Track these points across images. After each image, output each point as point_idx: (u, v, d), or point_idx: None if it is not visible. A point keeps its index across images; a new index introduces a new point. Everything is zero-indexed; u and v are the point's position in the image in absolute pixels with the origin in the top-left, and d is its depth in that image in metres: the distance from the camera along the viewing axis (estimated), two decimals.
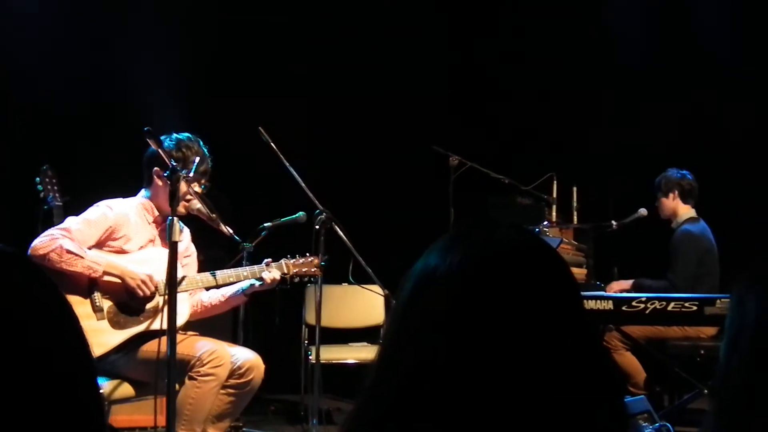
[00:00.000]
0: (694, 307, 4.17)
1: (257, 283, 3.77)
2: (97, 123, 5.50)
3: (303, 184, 4.03)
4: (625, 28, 6.35)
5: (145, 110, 4.89)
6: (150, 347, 3.52)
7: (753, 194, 5.70)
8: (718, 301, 4.15)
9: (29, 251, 3.42)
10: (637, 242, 5.61)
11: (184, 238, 3.81)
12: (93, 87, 5.55)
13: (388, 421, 0.97)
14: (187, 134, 3.76)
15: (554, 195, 5.68)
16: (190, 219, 3.82)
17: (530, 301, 0.98)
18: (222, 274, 3.75)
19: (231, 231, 3.76)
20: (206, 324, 3.96)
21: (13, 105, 5.31)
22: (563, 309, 1.00)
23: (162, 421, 3.45)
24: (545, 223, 5.39)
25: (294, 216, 4.13)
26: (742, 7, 6.12)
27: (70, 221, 3.57)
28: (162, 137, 3.58)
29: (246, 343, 3.91)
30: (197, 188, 3.71)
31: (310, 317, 5.26)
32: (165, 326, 3.11)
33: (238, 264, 3.98)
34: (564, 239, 5.32)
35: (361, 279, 4.39)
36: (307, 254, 3.93)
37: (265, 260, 3.81)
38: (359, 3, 6.31)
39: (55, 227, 3.55)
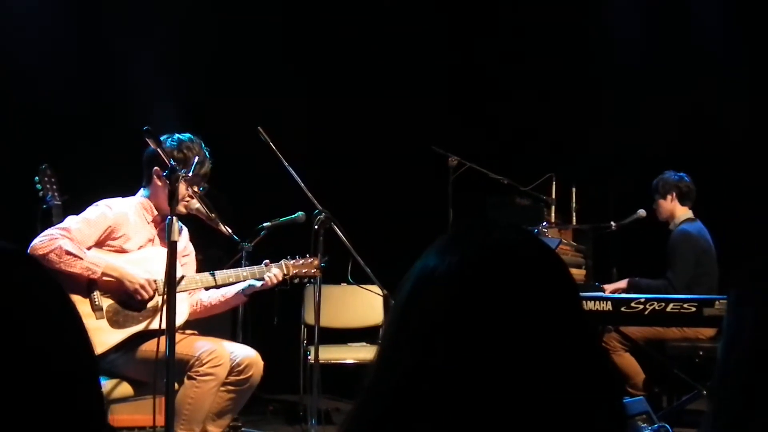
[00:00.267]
0: (693, 309, 4.18)
1: (257, 283, 3.77)
2: (96, 122, 5.50)
3: (302, 184, 4.03)
4: (625, 28, 6.35)
5: (144, 110, 4.89)
6: (149, 347, 3.52)
7: (752, 194, 5.70)
8: (716, 302, 4.16)
9: (28, 251, 3.42)
10: (636, 243, 5.61)
11: (183, 238, 3.80)
12: (93, 87, 5.55)
13: (387, 422, 0.97)
14: (189, 135, 3.75)
15: (553, 195, 5.68)
16: (189, 218, 3.82)
17: (529, 302, 0.98)
18: (221, 275, 3.75)
19: (230, 231, 3.76)
20: (205, 324, 3.96)
21: (12, 104, 5.31)
22: (562, 310, 1.00)
23: (161, 420, 3.44)
24: (544, 223, 5.39)
25: (293, 216, 4.13)
26: (741, 7, 6.11)
27: (70, 221, 3.56)
28: (164, 137, 3.59)
29: (245, 343, 3.91)
30: (196, 189, 3.70)
31: (309, 317, 5.26)
32: (164, 326, 3.11)
33: (237, 264, 3.98)
34: (563, 240, 5.32)
35: (360, 279, 4.39)
36: (307, 255, 3.93)
37: (264, 261, 3.81)
38: (359, 3, 6.31)
39: (55, 227, 3.54)
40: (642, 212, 5.29)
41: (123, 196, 3.78)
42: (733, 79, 5.97)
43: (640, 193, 5.55)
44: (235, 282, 3.79)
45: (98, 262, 3.50)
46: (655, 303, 4.21)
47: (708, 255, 5.13)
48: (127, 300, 3.60)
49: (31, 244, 3.45)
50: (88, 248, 3.55)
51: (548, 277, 1.02)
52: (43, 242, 3.44)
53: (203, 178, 3.75)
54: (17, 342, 0.88)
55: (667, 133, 6.02)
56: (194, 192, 3.67)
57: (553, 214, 5.67)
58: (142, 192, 3.81)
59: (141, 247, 3.70)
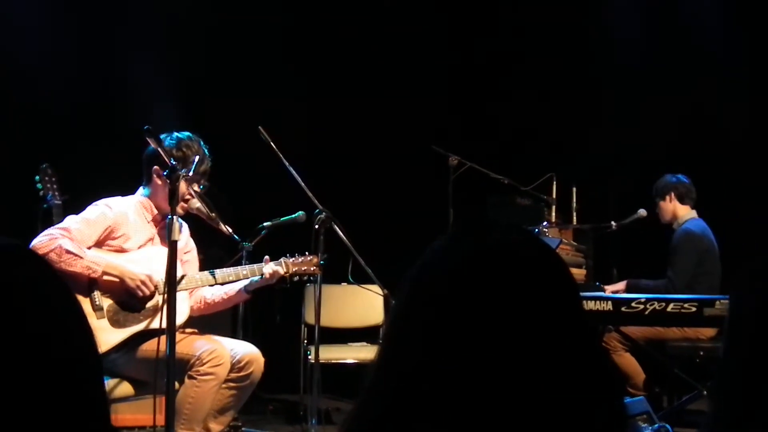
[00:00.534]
0: (694, 309, 4.18)
1: (258, 278, 3.77)
2: (96, 122, 5.50)
3: (302, 184, 4.03)
4: (625, 28, 6.35)
5: (144, 110, 4.89)
6: (149, 346, 3.52)
7: (753, 194, 5.70)
8: (717, 302, 4.16)
9: None
10: (636, 243, 5.61)
11: (183, 234, 3.80)
12: (93, 87, 5.55)
13: (387, 421, 0.97)
14: (187, 133, 3.76)
15: (554, 195, 5.68)
16: (189, 218, 3.82)
17: (529, 302, 0.98)
18: (221, 273, 3.75)
19: (230, 230, 3.76)
20: (206, 323, 3.96)
21: (12, 104, 5.30)
22: (562, 309, 1.00)
23: (161, 420, 3.44)
24: (545, 223, 5.39)
25: (293, 215, 4.13)
26: (741, 7, 6.11)
27: (70, 220, 3.56)
28: (162, 136, 3.59)
29: None
30: (196, 188, 3.71)
31: (309, 317, 5.26)
32: (165, 325, 3.11)
33: (237, 263, 3.98)
34: (563, 240, 5.32)
35: (361, 279, 4.39)
36: (306, 253, 3.93)
37: (265, 258, 3.82)
38: (359, 3, 6.31)
39: (55, 227, 3.54)
40: (642, 212, 5.29)
41: (123, 196, 3.78)
42: (733, 79, 5.97)
43: (641, 193, 5.55)
44: (236, 281, 3.79)
45: (98, 261, 3.51)
46: (656, 303, 4.21)
47: (710, 254, 5.13)
48: (128, 300, 3.60)
49: (31, 244, 3.45)
50: (88, 248, 3.55)
51: (548, 277, 1.02)
52: (43, 242, 3.44)
53: (203, 176, 3.76)
54: (20, 335, 0.88)
55: (667, 133, 6.02)
56: (194, 191, 3.67)
57: (553, 214, 5.67)
58: (141, 191, 3.81)
59: (141, 246, 3.70)
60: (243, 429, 4.67)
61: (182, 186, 3.49)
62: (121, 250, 3.64)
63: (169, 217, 3.18)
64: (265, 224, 4.16)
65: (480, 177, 5.34)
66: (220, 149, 3.93)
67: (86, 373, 0.93)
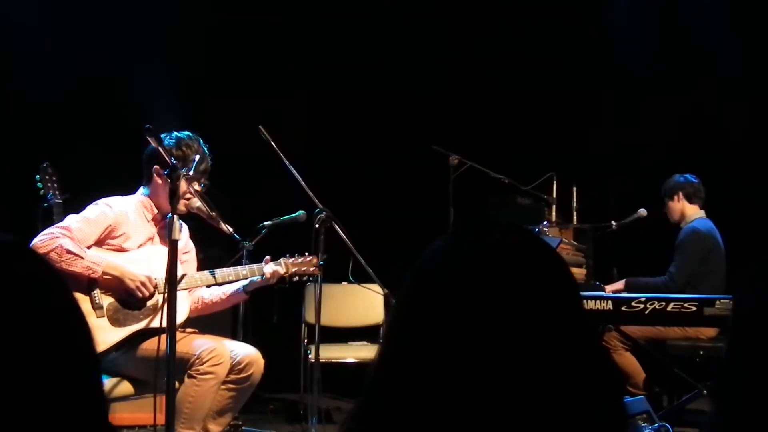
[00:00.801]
0: (694, 308, 4.18)
1: (258, 278, 3.77)
2: (96, 122, 5.50)
3: (303, 183, 4.04)
4: (625, 28, 6.35)
5: (144, 110, 4.89)
6: (150, 345, 3.53)
7: (753, 194, 5.70)
8: (717, 301, 4.16)
9: None
10: (636, 243, 5.61)
11: (183, 235, 3.80)
12: (93, 86, 5.55)
13: (387, 421, 0.97)
14: (187, 132, 3.76)
15: (554, 195, 5.68)
16: (189, 217, 3.82)
17: (529, 301, 0.98)
18: (221, 273, 3.75)
19: (231, 229, 3.77)
20: (206, 323, 3.96)
21: (13, 103, 5.31)
22: (562, 309, 1.00)
23: (161, 419, 3.44)
24: (545, 223, 5.39)
25: (294, 215, 4.13)
26: (741, 7, 6.11)
27: (70, 220, 3.57)
28: (162, 135, 3.59)
29: (245, 342, 3.91)
30: (197, 186, 3.71)
31: (309, 316, 5.26)
32: (165, 324, 3.11)
33: (237, 263, 3.98)
34: (564, 239, 5.32)
35: (361, 278, 4.39)
36: (306, 253, 3.93)
37: (266, 258, 3.82)
38: (359, 3, 6.31)
39: (55, 226, 3.54)
40: (642, 212, 5.30)
41: (123, 195, 3.78)
42: (733, 79, 5.97)
43: (641, 193, 5.55)
44: (236, 280, 3.79)
45: (99, 261, 3.51)
46: (656, 302, 4.21)
47: (715, 254, 5.13)
48: (128, 299, 3.60)
49: (32, 243, 3.45)
50: (89, 247, 3.55)
51: (549, 276, 1.02)
52: (44, 241, 3.44)
53: (203, 175, 3.76)
54: (18, 332, 0.88)
55: (667, 133, 6.02)
56: (195, 190, 3.67)
57: (553, 214, 5.68)
58: (142, 190, 3.81)
59: (141, 245, 3.70)
60: (243, 428, 4.67)
61: (182, 185, 3.50)
62: (121, 250, 3.64)
63: (170, 216, 3.18)
64: (265, 223, 4.16)
65: (480, 177, 5.34)
66: (220, 149, 3.93)
67: (84, 371, 0.93)
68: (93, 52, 5.57)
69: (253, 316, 4.50)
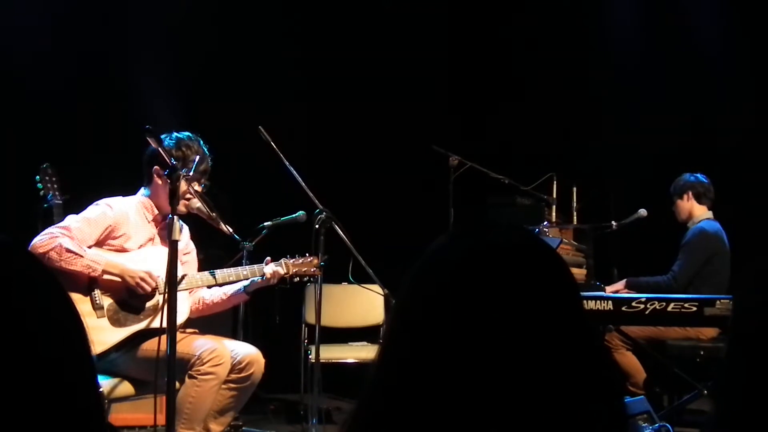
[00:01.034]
0: (694, 308, 4.18)
1: (258, 279, 3.77)
2: (96, 122, 5.50)
3: (303, 184, 4.03)
4: (625, 28, 6.35)
5: (144, 110, 4.89)
6: (150, 345, 3.53)
7: (752, 195, 5.70)
8: (717, 302, 4.16)
9: (28, 249, 3.42)
10: (636, 243, 5.61)
11: (183, 236, 3.81)
12: (93, 87, 5.55)
13: (387, 421, 0.97)
14: (187, 133, 3.76)
15: (554, 195, 5.69)
16: (189, 218, 3.82)
17: (530, 301, 0.98)
18: (222, 274, 3.75)
19: (231, 230, 3.77)
20: (206, 323, 3.96)
21: (13, 103, 5.30)
22: (563, 309, 1.00)
23: (162, 419, 3.45)
24: (545, 223, 5.39)
25: (294, 215, 4.13)
26: (741, 8, 6.11)
27: (70, 220, 3.57)
28: (162, 136, 3.59)
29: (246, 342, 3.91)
30: (197, 187, 3.71)
31: (309, 316, 5.26)
32: (165, 324, 3.11)
33: (237, 263, 3.98)
34: (564, 239, 5.32)
35: (361, 278, 4.38)
36: (307, 254, 3.93)
37: (267, 258, 3.82)
38: (359, 3, 6.31)
39: (55, 226, 3.54)
40: (643, 212, 5.29)
41: (123, 196, 3.78)
42: (733, 81, 5.97)
43: (641, 193, 5.54)
44: (236, 281, 3.79)
45: (99, 260, 3.51)
46: (656, 302, 4.21)
47: (720, 255, 5.12)
48: (128, 299, 3.60)
49: (32, 243, 3.45)
50: (89, 247, 3.55)
51: (549, 276, 1.02)
52: (44, 240, 3.44)
53: (203, 175, 3.76)
54: (11, 331, 0.87)
55: (667, 134, 6.02)
56: (195, 191, 3.67)
57: (553, 214, 5.68)
58: (142, 191, 3.81)
59: (141, 246, 3.70)
60: (243, 428, 4.67)
61: (182, 185, 3.50)
62: (122, 250, 3.64)
63: (170, 216, 3.18)
64: (265, 224, 4.16)
65: (480, 177, 5.34)
66: (220, 149, 3.93)
67: (79, 372, 0.92)
68: (93, 52, 5.57)
69: (253, 317, 4.50)
